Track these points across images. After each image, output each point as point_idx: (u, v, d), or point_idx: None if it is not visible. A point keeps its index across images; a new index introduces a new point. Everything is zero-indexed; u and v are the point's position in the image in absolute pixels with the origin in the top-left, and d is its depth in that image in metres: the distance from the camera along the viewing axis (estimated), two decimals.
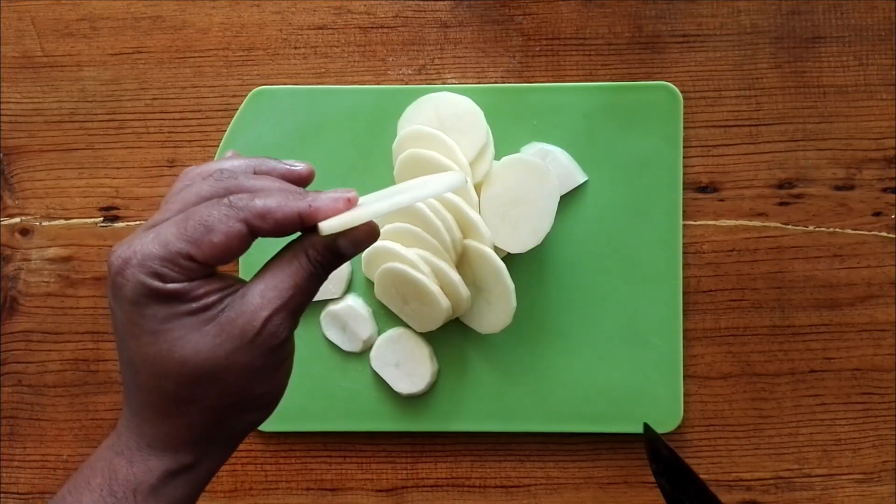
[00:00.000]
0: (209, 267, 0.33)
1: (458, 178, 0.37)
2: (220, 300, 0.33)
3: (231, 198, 0.33)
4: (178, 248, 0.32)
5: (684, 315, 0.55)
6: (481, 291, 0.53)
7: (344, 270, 0.56)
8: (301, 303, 0.34)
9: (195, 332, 0.33)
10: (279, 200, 0.33)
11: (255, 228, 0.33)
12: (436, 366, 0.55)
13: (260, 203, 0.33)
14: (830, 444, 0.56)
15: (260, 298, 0.33)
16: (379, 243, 0.53)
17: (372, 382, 0.56)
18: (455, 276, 0.52)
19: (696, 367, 0.56)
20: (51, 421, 0.58)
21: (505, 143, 0.55)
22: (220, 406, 0.34)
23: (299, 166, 0.37)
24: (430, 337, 0.55)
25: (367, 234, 0.35)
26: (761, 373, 0.56)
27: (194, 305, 0.33)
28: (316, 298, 0.55)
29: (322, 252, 0.34)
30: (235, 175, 0.35)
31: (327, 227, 0.34)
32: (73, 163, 0.58)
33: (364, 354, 0.56)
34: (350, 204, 0.34)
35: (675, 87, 0.55)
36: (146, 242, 0.33)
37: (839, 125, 0.56)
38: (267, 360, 0.34)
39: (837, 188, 0.56)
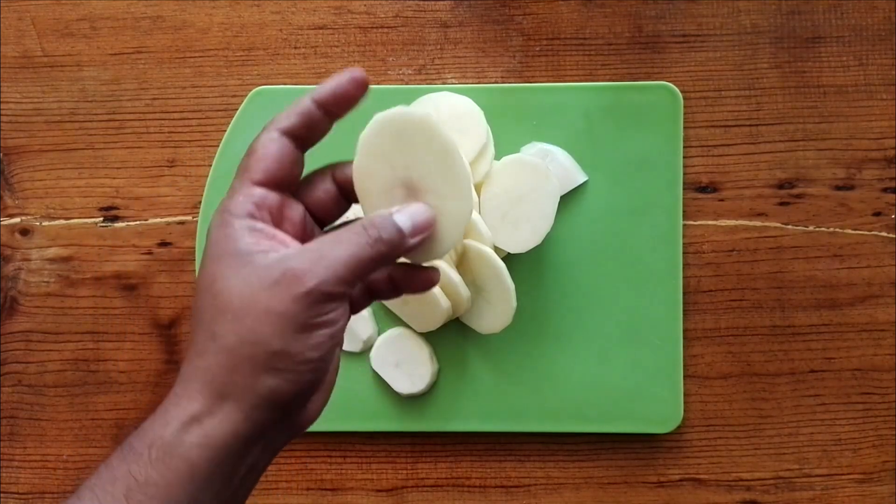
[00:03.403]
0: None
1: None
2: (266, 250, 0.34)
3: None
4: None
5: (684, 315, 0.55)
6: (481, 291, 0.53)
7: None
8: (350, 266, 0.33)
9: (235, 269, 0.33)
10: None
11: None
12: (436, 366, 0.55)
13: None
14: (830, 444, 0.56)
15: (305, 252, 0.33)
16: None
17: (372, 382, 0.56)
18: (455, 276, 0.52)
19: (696, 367, 0.56)
20: (51, 421, 0.58)
21: (505, 143, 0.55)
22: (235, 349, 0.32)
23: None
24: (430, 337, 0.55)
25: (421, 213, 0.35)
26: (761, 373, 0.56)
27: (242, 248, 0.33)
28: None
29: (377, 222, 0.34)
30: None
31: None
32: (73, 163, 0.58)
33: (364, 354, 0.56)
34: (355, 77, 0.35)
35: (675, 87, 0.55)
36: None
37: (839, 125, 0.56)
38: (290, 308, 0.32)
39: (837, 188, 0.56)
